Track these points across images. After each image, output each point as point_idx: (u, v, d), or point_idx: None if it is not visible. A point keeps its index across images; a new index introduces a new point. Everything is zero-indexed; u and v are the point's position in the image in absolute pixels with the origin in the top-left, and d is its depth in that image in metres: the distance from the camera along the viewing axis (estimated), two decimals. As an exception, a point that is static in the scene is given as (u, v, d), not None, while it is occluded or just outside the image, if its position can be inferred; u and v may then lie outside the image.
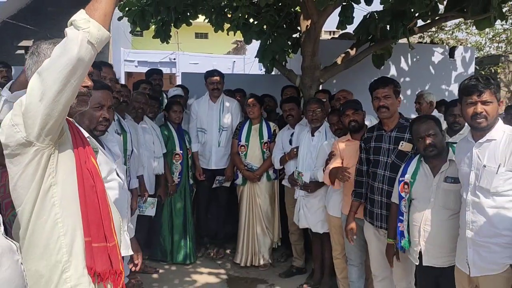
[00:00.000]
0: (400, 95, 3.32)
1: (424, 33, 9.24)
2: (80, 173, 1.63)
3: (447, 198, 2.72)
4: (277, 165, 4.55)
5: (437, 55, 6.86)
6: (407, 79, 6.74)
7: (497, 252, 2.36)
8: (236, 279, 4.55)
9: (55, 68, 1.45)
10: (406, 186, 2.90)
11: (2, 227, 1.34)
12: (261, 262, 4.77)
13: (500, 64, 8.61)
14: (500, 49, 10.88)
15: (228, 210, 5.17)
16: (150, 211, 4.30)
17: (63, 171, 1.59)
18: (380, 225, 3.24)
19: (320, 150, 3.97)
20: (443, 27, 9.69)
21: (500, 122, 2.47)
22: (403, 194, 2.90)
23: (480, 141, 2.45)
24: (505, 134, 2.41)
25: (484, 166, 2.40)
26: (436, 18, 4.92)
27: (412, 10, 4.42)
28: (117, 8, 6.35)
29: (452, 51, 6.95)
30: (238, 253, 4.84)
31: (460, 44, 9.97)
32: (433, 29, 9.94)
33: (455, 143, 2.86)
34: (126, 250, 2.24)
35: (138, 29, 6.47)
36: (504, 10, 6.31)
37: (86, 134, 1.89)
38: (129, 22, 6.31)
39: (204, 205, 5.20)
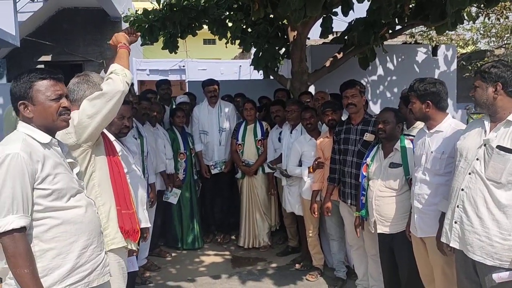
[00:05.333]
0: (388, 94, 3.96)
1: (414, 32, 9.84)
2: (110, 163, 2.43)
3: (390, 179, 3.36)
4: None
5: (421, 55, 7.43)
6: (394, 78, 7.33)
7: (436, 218, 2.94)
8: (239, 259, 5.25)
9: (107, 98, 2.25)
10: (366, 168, 3.56)
11: (85, 190, 2.17)
12: (261, 244, 5.47)
13: (485, 58, 9.18)
14: (491, 43, 11.39)
15: (231, 201, 5.87)
16: (173, 199, 5.13)
17: (99, 162, 2.38)
18: (351, 202, 3.91)
19: (292, 149, 4.63)
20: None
21: (449, 116, 3.07)
22: (364, 174, 3.56)
23: (431, 131, 3.07)
24: (451, 127, 3.02)
25: (432, 152, 3.01)
26: (403, 25, 5.56)
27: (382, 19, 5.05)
28: (128, 23, 7.14)
29: (435, 50, 7.51)
30: (241, 237, 5.54)
31: (451, 41, 10.54)
32: (424, 28, 10.53)
33: (409, 135, 3.52)
34: (146, 223, 2.99)
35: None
36: (473, 10, 6.90)
37: (112, 138, 2.63)
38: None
39: (210, 198, 5.91)
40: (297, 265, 4.88)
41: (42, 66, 12.12)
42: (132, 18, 6.90)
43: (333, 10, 5.48)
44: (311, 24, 5.39)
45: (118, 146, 2.85)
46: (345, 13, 5.21)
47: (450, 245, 2.62)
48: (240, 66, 16.88)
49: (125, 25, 10.20)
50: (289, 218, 5.24)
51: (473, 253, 2.48)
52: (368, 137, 3.79)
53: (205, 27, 7.10)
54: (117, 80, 2.30)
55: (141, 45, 7.58)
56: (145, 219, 2.92)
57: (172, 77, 16.14)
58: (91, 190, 2.32)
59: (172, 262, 5.17)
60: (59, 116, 2.03)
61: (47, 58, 12.28)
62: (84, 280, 2.03)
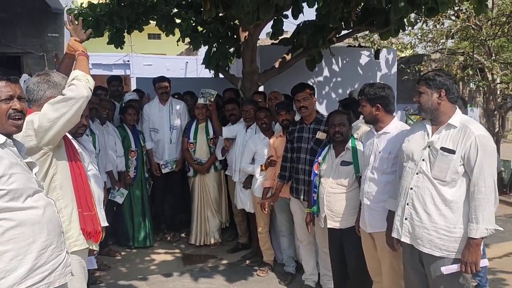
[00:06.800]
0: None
1: (358, 35, 10.23)
2: (71, 165, 2.42)
3: (341, 177, 3.55)
4: (219, 156, 5.34)
5: (364, 57, 7.75)
6: (339, 79, 7.60)
7: (384, 214, 3.15)
8: (190, 257, 5.30)
9: (70, 103, 2.26)
10: (318, 166, 3.73)
11: (44, 191, 2.12)
12: (212, 242, 5.55)
13: (423, 62, 9.74)
14: (428, 48, 12.03)
15: (182, 199, 5.90)
16: (119, 199, 5.11)
17: (61, 164, 2.37)
18: (304, 198, 4.06)
19: (246, 147, 4.75)
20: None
21: (395, 119, 3.29)
22: (316, 172, 3.72)
23: (379, 133, 3.27)
24: (397, 128, 3.23)
25: (380, 152, 3.22)
26: (350, 30, 5.84)
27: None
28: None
29: (377, 53, 7.85)
30: (192, 235, 5.59)
31: (392, 45, 11.05)
32: (367, 32, 10.97)
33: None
34: (103, 222, 2.98)
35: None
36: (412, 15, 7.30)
37: (69, 136, 2.60)
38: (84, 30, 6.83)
39: (160, 196, 5.90)
40: (247, 261, 5.00)
41: (-24, 57, 11.47)
42: (76, 12, 6.70)
43: (284, 13, 5.63)
44: (262, 26, 5.51)
45: (76, 146, 2.83)
46: (295, 16, 5.36)
47: (401, 240, 2.84)
48: (187, 62, 16.79)
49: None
50: (239, 216, 5.35)
51: (423, 246, 2.71)
52: (320, 135, 3.97)
53: (152, 22, 7.04)
54: (80, 86, 2.33)
55: (86, 39, 7.31)
56: (102, 218, 2.92)
57: (116, 72, 15.79)
58: (52, 192, 2.31)
59: (122, 261, 5.13)
60: (8, 119, 1.99)
61: (-18, 49, 11.61)
62: (44, 281, 2.01)
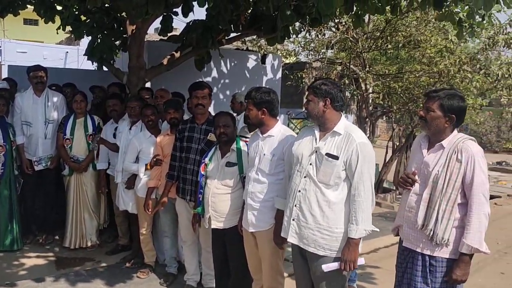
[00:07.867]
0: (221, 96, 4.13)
1: (246, 39, 10.45)
2: None
3: (226, 177, 3.58)
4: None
5: (251, 61, 7.95)
6: (226, 81, 7.70)
7: (266, 213, 3.27)
8: (64, 260, 4.95)
9: None
10: (205, 167, 3.72)
11: None
12: (89, 244, 5.24)
13: (305, 70, 10.27)
14: (310, 56, 12.69)
15: (55, 199, 5.48)
16: None
17: None
18: (190, 199, 4.02)
19: (130, 145, 4.56)
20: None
21: (279, 123, 3.38)
22: (203, 173, 3.71)
23: (263, 135, 3.34)
24: (280, 132, 3.33)
25: (264, 154, 3.30)
26: (238, 33, 5.96)
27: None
28: None
29: (263, 58, 8.11)
30: (67, 237, 5.22)
31: (277, 51, 11.46)
32: (255, 36, 11.25)
33: (245, 136, 3.78)
34: None
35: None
36: (297, 24, 7.67)
37: None
38: None
39: (31, 195, 5.42)
40: (127, 263, 4.83)
41: None
42: None
43: (174, 9, 5.55)
44: (151, 21, 5.37)
45: None
46: (185, 14, 5.30)
47: (288, 240, 2.95)
48: (67, 52, 15.73)
49: None
50: (121, 216, 5.13)
51: (308, 246, 2.86)
52: (212, 137, 3.95)
53: (30, 7, 6.47)
54: None
55: None
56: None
57: (-17, 58, 14.27)
58: None
59: (-15, 267, 4.64)
60: None
61: None
62: None
